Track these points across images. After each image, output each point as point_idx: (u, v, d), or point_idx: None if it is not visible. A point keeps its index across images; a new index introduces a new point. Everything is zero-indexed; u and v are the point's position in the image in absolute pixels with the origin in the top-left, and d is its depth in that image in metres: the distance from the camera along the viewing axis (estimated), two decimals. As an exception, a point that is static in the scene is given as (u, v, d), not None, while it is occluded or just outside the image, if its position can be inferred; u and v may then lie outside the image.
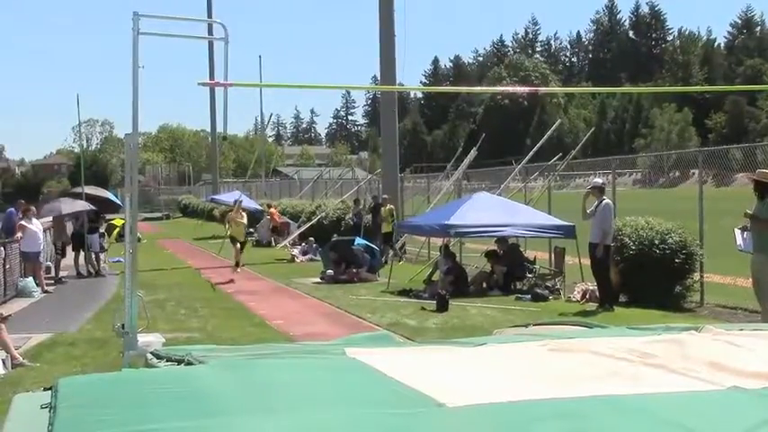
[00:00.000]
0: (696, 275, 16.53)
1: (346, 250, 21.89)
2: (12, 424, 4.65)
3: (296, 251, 29.16)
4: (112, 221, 31.27)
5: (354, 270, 21.24)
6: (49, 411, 4.31)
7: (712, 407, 4.33)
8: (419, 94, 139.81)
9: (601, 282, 15.97)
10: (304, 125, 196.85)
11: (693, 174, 48.11)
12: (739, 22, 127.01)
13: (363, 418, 4.25)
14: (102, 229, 27.17)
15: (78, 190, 29.86)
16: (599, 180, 17.38)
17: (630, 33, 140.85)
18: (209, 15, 49.95)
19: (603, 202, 15.92)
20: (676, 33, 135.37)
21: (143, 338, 8.32)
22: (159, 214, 70.32)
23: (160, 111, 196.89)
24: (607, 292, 15.82)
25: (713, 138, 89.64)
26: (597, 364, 5.81)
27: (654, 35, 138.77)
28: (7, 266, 18.27)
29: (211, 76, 45.19)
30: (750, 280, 12.96)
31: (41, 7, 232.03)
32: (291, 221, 35.49)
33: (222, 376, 5.35)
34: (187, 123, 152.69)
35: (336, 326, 14.27)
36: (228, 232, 25.74)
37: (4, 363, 11.06)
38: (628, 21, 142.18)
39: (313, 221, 32.45)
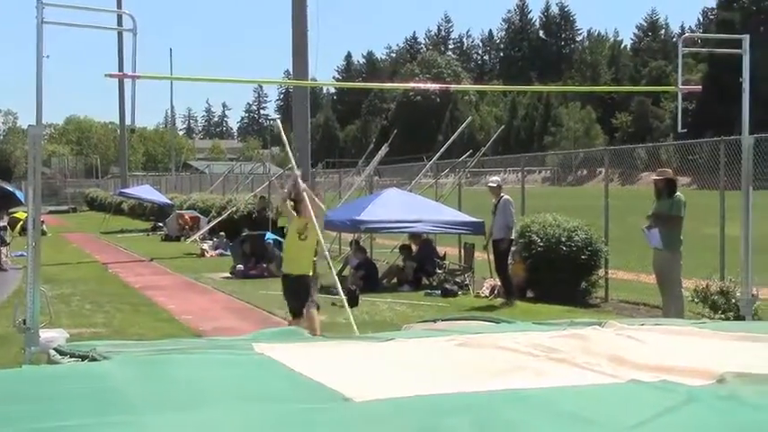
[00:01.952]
0: (601, 272, 16.84)
1: (257, 245, 21.76)
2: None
3: (206, 246, 28.88)
4: (15, 215, 30.58)
5: (265, 265, 21.13)
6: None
7: (612, 399, 4.43)
8: (332, 90, 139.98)
9: (506, 277, 16.24)
10: (216, 119, 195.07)
11: (600, 172, 48.98)
12: (645, 24, 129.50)
13: (269, 413, 4.24)
14: (3, 223, 26.58)
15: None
16: (495, 178, 17.65)
17: (541, 33, 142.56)
18: (119, 6, 49.16)
19: (503, 198, 16.28)
20: (585, 34, 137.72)
21: (46, 334, 8.14)
22: (65, 207, 68.97)
23: (67, 102, 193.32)
24: (511, 286, 16.13)
25: (619, 137, 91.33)
26: (503, 358, 5.88)
27: (563, 35, 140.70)
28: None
29: (120, 67, 44.41)
30: (653, 276, 13.29)
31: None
32: (201, 216, 35.16)
33: (128, 372, 5.29)
34: (95, 115, 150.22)
35: (246, 321, 14.18)
36: None
37: None
38: (538, 21, 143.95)
39: (224, 216, 32.19)
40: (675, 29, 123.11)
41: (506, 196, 16.44)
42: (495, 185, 16.67)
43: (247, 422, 4.14)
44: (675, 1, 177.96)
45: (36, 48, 7.64)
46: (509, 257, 16.55)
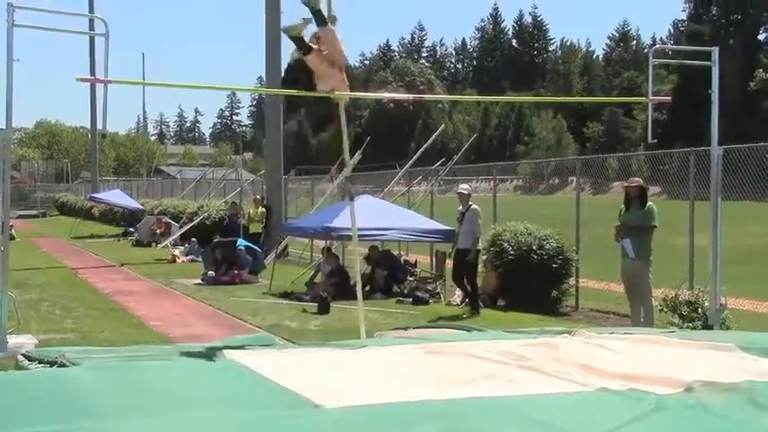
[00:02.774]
0: (572, 280, 16.91)
1: (229, 251, 21.69)
2: None
3: (177, 251, 28.75)
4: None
5: (236, 271, 21.07)
6: None
7: (581, 407, 4.46)
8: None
9: (475, 286, 16.21)
10: (188, 124, 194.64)
11: (572, 181, 49.18)
12: (617, 35, 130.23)
13: (240, 420, 4.25)
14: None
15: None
16: (465, 186, 17.58)
17: (514, 42, 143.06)
18: (91, 10, 48.89)
19: (471, 207, 16.15)
20: (558, 44, 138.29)
21: (14, 340, 8.12)
22: (35, 212, 68.44)
23: (38, 106, 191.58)
24: (477, 296, 16.14)
25: (591, 146, 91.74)
26: (474, 366, 5.91)
27: (536, 45, 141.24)
28: None
29: (92, 72, 44.18)
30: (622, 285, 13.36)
31: None
32: (173, 222, 35.02)
33: (97, 378, 5.28)
34: (66, 120, 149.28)
35: (217, 327, 14.11)
36: None
37: None
38: (511, 30, 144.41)
39: (195, 222, 32.07)
40: (647, 40, 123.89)
41: (474, 206, 16.29)
42: (465, 192, 16.51)
43: (218, 429, 4.14)
44: (647, 12, 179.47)
45: (6, 51, 7.61)
46: (478, 266, 16.55)
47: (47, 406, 4.53)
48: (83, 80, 9.13)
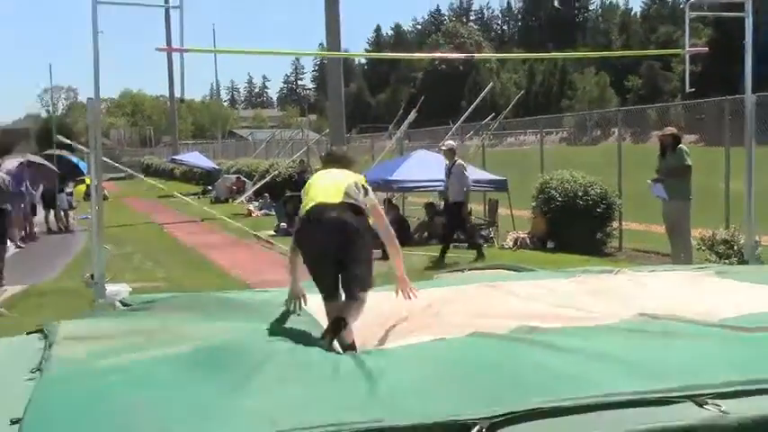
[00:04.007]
0: (615, 223, 16.82)
1: (299, 204, 21.82)
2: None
3: (252, 206, 29.04)
4: (81, 180, 30.97)
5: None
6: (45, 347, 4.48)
7: (621, 335, 4.47)
8: (363, 61, 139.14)
9: (472, 233, 16.14)
10: (257, 90, 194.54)
11: (614, 132, 48.49)
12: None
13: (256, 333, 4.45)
14: (70, 189, 26.92)
15: (50, 152, 29.52)
16: (451, 142, 17.28)
17: (556, 2, 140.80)
18: (164, -14, 49.01)
19: (456, 162, 15.74)
20: (598, 3, 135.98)
21: (111, 288, 8.29)
22: (123, 174, 69.30)
23: (122, 77, 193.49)
24: (477, 241, 15.96)
25: (631, 98, 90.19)
26: (522, 301, 5.94)
27: (577, 4, 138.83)
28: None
29: (168, 42, 44.40)
30: (663, 226, 13.25)
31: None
32: (246, 179, 35.32)
33: (175, 319, 5.43)
34: (147, 89, 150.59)
35: (289, 274, 14.21)
36: None
37: (-18, 313, 10.97)
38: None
39: (267, 179, 32.31)
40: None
41: (459, 161, 15.88)
42: (447, 149, 16.18)
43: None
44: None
45: (92, 25, 7.69)
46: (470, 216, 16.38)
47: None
48: (161, 50, 9.23)
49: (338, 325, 4.95)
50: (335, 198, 5.33)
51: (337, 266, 5.34)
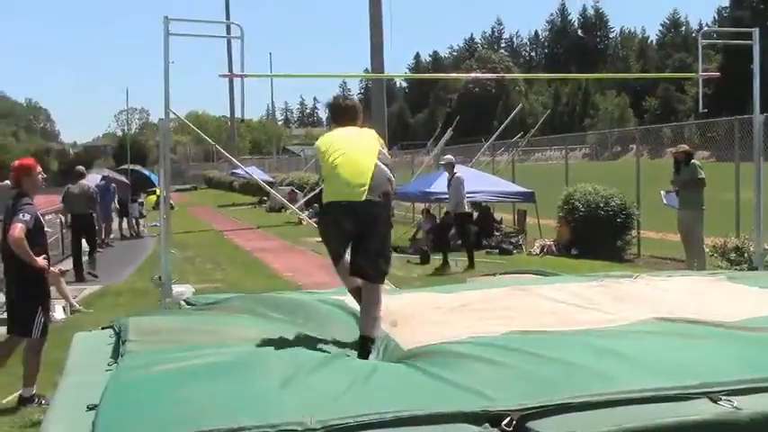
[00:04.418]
0: (634, 232, 16.66)
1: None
2: (75, 354, 4.75)
3: (303, 215, 29.08)
4: (152, 191, 31.33)
5: (352, 231, 21.25)
6: (119, 341, 4.55)
7: (641, 337, 4.40)
8: (404, 83, 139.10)
9: (470, 245, 15.53)
10: (308, 110, 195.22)
11: (632, 148, 48.04)
12: (668, 22, 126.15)
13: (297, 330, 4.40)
14: (141, 199, 27.24)
15: (125, 167, 29.96)
16: (449, 156, 17.03)
17: (579, 32, 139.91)
18: (227, 16, 49.52)
19: (456, 175, 15.40)
20: (617, 32, 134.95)
21: (177, 288, 8.34)
22: (188, 186, 70.03)
23: (188, 99, 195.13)
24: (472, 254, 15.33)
25: (648, 118, 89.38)
26: (548, 303, 5.87)
27: (598, 33, 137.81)
28: (64, 230, 18.18)
29: (230, 69, 44.82)
30: (679, 234, 13.10)
31: (83, 10, 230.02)
32: (298, 191, 35.46)
33: (233, 317, 5.43)
34: (210, 110, 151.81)
35: (336, 277, 14.19)
36: None
37: (64, 309, 11.10)
38: (577, 21, 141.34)
39: (316, 191, 32.37)
40: (694, 25, 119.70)
41: (458, 174, 15.50)
42: (446, 163, 15.86)
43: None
44: (694, 1, 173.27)
45: (164, 56, 7.77)
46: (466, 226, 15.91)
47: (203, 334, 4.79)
48: (224, 76, 9.32)
49: (368, 347, 4.68)
50: (365, 187, 4.86)
51: (354, 239, 5.00)
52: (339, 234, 5.00)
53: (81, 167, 17.77)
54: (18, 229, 6.60)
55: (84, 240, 15.88)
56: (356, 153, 5.03)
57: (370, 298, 4.95)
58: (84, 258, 15.63)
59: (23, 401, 6.60)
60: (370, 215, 4.91)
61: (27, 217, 6.74)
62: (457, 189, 15.16)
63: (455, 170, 15.55)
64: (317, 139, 5.40)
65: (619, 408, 3.27)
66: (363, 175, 4.92)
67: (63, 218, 18.22)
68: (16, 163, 7.34)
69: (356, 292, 5.13)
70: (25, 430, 5.55)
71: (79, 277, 14.82)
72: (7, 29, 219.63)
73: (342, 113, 5.45)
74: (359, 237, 4.94)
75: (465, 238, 15.63)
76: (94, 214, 16.66)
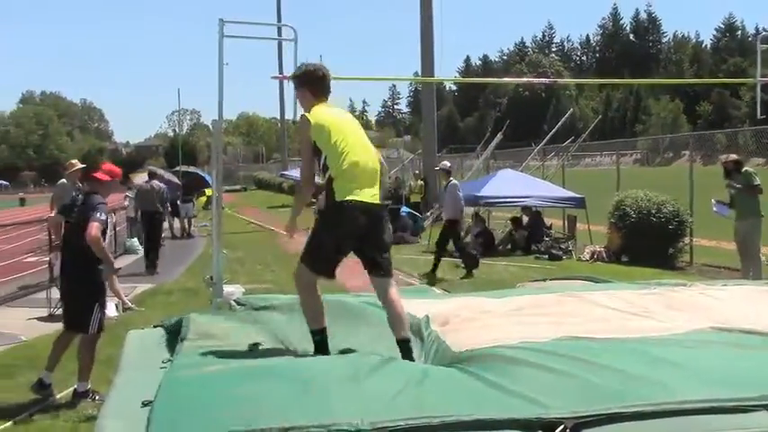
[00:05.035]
0: (686, 239, 16.41)
1: (394, 216, 21.95)
2: (128, 351, 4.82)
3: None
4: (204, 192, 31.67)
5: (400, 233, 21.29)
6: (172, 339, 4.59)
7: (695, 346, 4.32)
8: (454, 87, 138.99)
9: (465, 252, 15.09)
10: (357, 113, 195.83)
11: (685, 154, 47.33)
12: (723, 26, 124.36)
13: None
14: (194, 199, 27.57)
15: (177, 168, 30.35)
16: (447, 162, 16.75)
17: (631, 36, 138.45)
18: (279, 18, 49.88)
19: (451, 182, 15.07)
20: (670, 36, 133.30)
21: (228, 289, 8.39)
22: (238, 187, 70.65)
23: (238, 101, 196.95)
24: (471, 259, 14.89)
25: (702, 124, 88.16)
26: (599, 311, 5.80)
27: (651, 38, 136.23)
28: (117, 229, 18.46)
29: (280, 70, 45.10)
30: (733, 242, 12.87)
31: (138, 12, 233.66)
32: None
33: (285, 318, 5.46)
34: (260, 112, 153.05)
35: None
36: None
37: (117, 307, 11.26)
38: (629, 25, 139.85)
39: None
40: (751, 29, 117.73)
41: (454, 180, 15.20)
42: (441, 169, 15.52)
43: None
44: (751, 5, 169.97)
45: (218, 58, 7.82)
46: (461, 233, 15.62)
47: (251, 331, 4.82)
48: (276, 78, 9.36)
49: (409, 348, 4.65)
50: (378, 189, 4.91)
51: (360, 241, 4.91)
52: (351, 236, 4.85)
53: (152, 167, 18.64)
54: (95, 228, 6.84)
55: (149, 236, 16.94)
56: (369, 150, 4.98)
57: (396, 296, 4.92)
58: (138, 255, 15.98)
59: (78, 396, 6.71)
60: (383, 218, 4.95)
61: (103, 216, 7.02)
62: (454, 196, 14.76)
63: (450, 177, 15.29)
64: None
65: (675, 418, 3.22)
66: (378, 174, 4.93)
67: (134, 215, 19.45)
68: (108, 166, 7.80)
69: (317, 307, 4.89)
70: (80, 425, 5.63)
71: (151, 270, 16.00)
72: (64, 32, 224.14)
73: (326, 88, 5.09)
74: (365, 238, 4.86)
75: (456, 245, 15.13)
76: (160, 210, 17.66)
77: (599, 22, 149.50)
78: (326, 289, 10.59)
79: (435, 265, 14.62)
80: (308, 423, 3.06)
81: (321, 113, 4.87)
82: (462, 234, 15.65)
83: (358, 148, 4.88)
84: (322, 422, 3.07)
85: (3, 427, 5.77)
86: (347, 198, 4.71)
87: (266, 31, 13.30)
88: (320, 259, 4.89)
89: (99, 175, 7.46)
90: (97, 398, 6.50)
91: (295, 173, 49.85)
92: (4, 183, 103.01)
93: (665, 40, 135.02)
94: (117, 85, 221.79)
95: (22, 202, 57.36)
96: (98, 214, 6.90)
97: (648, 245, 15.77)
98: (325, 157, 4.80)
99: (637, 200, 16.39)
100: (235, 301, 7.44)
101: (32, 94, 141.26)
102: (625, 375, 3.62)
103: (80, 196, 7.36)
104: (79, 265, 6.91)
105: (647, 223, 15.92)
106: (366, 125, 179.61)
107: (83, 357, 6.88)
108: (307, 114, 4.83)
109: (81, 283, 6.93)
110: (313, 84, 5.01)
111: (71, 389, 6.87)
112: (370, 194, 4.81)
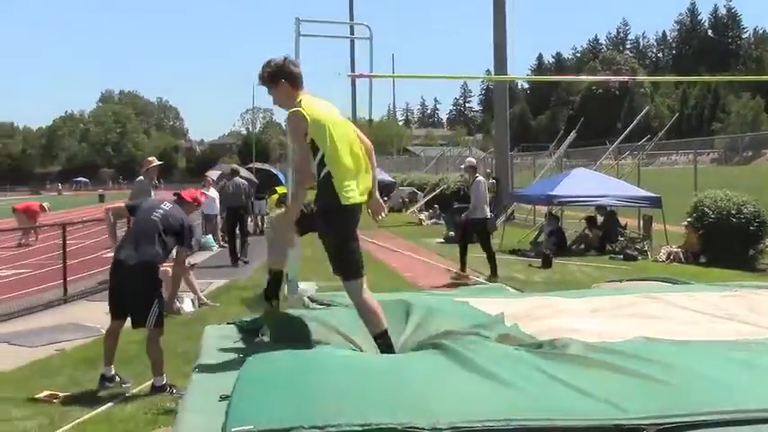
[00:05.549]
0: (768, 241, 15.97)
1: (460, 214, 21.88)
2: (206, 346, 4.88)
3: (423, 216, 29.19)
4: (275, 190, 31.96)
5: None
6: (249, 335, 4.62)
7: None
8: (526, 85, 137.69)
9: (491, 252, 14.38)
10: (428, 111, 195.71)
11: (765, 153, 46.04)
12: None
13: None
14: (266, 197, 27.85)
15: (250, 165, 30.76)
16: (472, 159, 16.15)
17: (710, 32, 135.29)
18: (351, 17, 50.02)
19: (477, 179, 14.46)
20: (751, 32, 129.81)
21: (301, 286, 8.47)
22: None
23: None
24: (495, 263, 14.26)
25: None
26: (679, 313, 5.66)
27: (730, 33, 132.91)
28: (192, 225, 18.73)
29: (352, 68, 45.20)
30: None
31: (213, 12, 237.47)
32: (418, 191, 35.56)
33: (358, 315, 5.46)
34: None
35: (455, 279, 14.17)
36: None
37: (193, 303, 11.45)
38: (707, 21, 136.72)
39: (436, 191, 32.45)
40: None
41: (480, 177, 14.65)
42: (468, 166, 15.00)
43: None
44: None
45: (294, 56, 7.88)
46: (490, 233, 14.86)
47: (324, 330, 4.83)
48: (353, 76, 9.39)
49: (388, 341, 4.72)
50: None
51: None
52: (355, 230, 5.00)
53: (235, 165, 19.37)
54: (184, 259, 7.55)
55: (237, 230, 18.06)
56: (361, 146, 5.02)
57: (369, 292, 5.01)
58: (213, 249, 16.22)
59: (156, 391, 6.83)
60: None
61: (193, 242, 7.50)
62: (478, 192, 14.26)
63: (476, 174, 14.72)
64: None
65: (763, 426, 3.10)
66: (370, 169, 5.07)
67: (209, 212, 20.46)
68: (192, 196, 8.15)
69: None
70: (159, 417, 5.74)
71: (234, 263, 16.94)
72: (141, 31, 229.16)
73: (302, 78, 5.00)
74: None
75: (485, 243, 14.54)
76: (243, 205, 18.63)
77: (676, 17, 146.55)
78: (399, 286, 10.57)
79: (493, 268, 14.17)
80: (385, 420, 3.04)
81: (315, 108, 4.81)
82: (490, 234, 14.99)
83: (354, 145, 4.89)
84: (400, 420, 3.05)
85: (87, 416, 5.91)
86: (350, 202, 4.78)
87: (339, 29, 13.36)
88: (354, 261, 4.99)
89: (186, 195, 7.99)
90: (174, 391, 6.61)
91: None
92: (85, 180, 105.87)
93: (745, 35, 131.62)
94: (192, 84, 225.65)
95: (102, 198, 58.79)
96: (190, 241, 7.35)
97: (727, 246, 15.38)
98: (322, 155, 4.73)
99: (716, 200, 16.00)
100: (308, 297, 7.50)
101: (111, 94, 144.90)
102: (710, 380, 3.51)
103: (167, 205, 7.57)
104: (143, 265, 7.01)
105: (726, 224, 15.53)
106: (437, 123, 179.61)
107: (152, 353, 6.99)
108: (301, 110, 4.72)
109: (142, 280, 7.00)
110: (290, 75, 4.91)
111: (149, 383, 7.00)
112: (364, 194, 4.95)
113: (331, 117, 4.86)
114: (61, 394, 6.67)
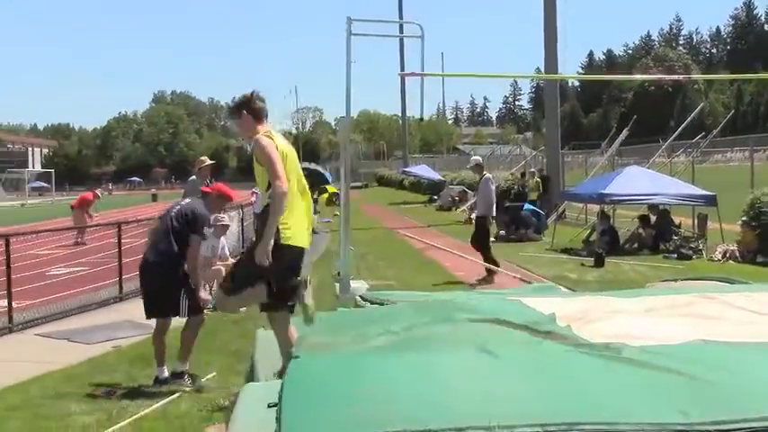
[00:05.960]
0: (828, 240, 15.56)
1: (516, 214, 21.74)
2: (260, 350, 4.91)
3: (473, 215, 29.04)
4: (325, 189, 32.13)
5: (523, 231, 21.06)
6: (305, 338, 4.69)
7: None
8: (576, 83, 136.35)
9: (487, 253, 14.13)
10: (478, 109, 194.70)
11: (824, 150, 44.99)
12: None
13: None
14: (315, 196, 28.02)
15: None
16: (478, 157, 15.89)
17: (766, 27, 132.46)
18: (400, 16, 50.08)
19: (485, 176, 14.26)
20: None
21: (353, 284, 8.49)
22: (360, 184, 71.46)
23: (359, 98, 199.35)
24: (493, 261, 14.00)
25: None
26: (737, 313, 5.54)
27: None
28: (245, 224, 18.91)
29: (402, 68, 45.21)
30: None
31: (262, 15, 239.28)
32: (468, 190, 35.42)
33: (410, 314, 5.44)
34: (381, 109, 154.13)
35: (508, 278, 14.06)
36: None
37: (207, 289, 11.47)
38: (764, 15, 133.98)
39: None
40: None
41: (488, 174, 14.43)
42: (475, 164, 14.81)
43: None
44: None
45: (345, 55, 7.90)
46: (489, 231, 14.67)
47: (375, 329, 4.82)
48: (405, 75, 9.39)
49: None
50: None
51: None
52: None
53: None
54: (197, 246, 7.21)
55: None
56: (306, 186, 5.63)
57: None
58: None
59: (174, 377, 6.86)
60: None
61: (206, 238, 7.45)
62: (485, 190, 14.06)
63: (484, 171, 14.58)
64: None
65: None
66: (310, 213, 5.72)
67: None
68: (225, 191, 7.91)
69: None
70: (213, 414, 5.78)
71: None
72: (193, 32, 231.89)
73: (266, 112, 5.62)
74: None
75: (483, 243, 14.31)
76: None
77: (731, 12, 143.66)
78: (450, 285, 10.55)
79: (494, 264, 13.94)
80: (441, 426, 3.01)
81: (277, 140, 5.42)
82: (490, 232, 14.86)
83: (301, 184, 5.54)
84: (456, 425, 3.02)
85: (143, 413, 5.99)
86: (299, 245, 5.45)
87: (390, 28, 13.35)
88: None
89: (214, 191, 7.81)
90: (191, 381, 6.72)
91: (416, 170, 50.12)
92: (138, 179, 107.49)
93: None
94: (242, 84, 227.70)
95: (155, 197, 59.59)
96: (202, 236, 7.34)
97: (787, 245, 15.04)
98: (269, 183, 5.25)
99: (774, 198, 15.66)
100: (360, 296, 7.51)
101: (164, 94, 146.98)
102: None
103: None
104: (166, 263, 7.07)
105: (785, 222, 15.18)
106: (486, 122, 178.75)
107: (183, 336, 7.04)
108: (267, 137, 5.35)
109: (167, 276, 7.05)
110: (255, 110, 5.53)
111: (213, 374, 7.07)
112: (306, 236, 5.55)
113: (287, 153, 5.46)
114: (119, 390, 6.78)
